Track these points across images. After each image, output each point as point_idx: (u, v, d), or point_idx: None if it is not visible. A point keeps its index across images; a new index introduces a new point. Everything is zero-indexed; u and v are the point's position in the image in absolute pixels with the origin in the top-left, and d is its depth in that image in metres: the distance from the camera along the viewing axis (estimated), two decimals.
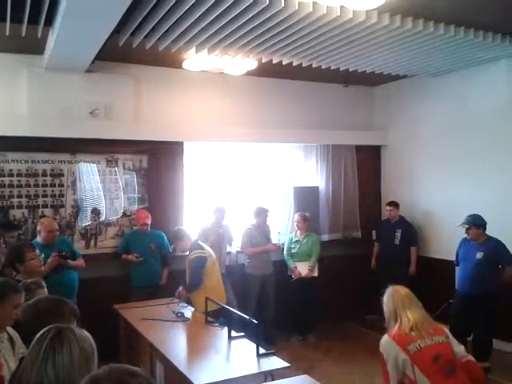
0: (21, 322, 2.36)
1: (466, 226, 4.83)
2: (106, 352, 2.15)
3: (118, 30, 4.27)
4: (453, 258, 5.25)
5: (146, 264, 5.53)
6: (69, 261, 4.80)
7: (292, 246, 6.29)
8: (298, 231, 6.30)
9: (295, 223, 6.32)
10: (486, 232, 4.89)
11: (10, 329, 2.42)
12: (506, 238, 4.89)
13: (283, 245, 6.35)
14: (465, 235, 4.99)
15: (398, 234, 6.54)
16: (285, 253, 6.31)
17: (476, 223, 4.79)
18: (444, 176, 6.43)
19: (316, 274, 6.17)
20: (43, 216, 5.35)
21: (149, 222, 5.63)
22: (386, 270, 6.66)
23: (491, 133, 5.85)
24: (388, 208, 6.69)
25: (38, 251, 3.96)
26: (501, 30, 4.85)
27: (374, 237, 7.09)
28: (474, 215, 4.87)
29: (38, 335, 1.77)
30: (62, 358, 1.69)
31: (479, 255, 4.74)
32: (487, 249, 4.73)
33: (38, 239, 4.85)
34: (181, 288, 4.84)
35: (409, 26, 4.35)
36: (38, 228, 4.90)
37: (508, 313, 5.20)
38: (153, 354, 3.90)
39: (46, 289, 3.09)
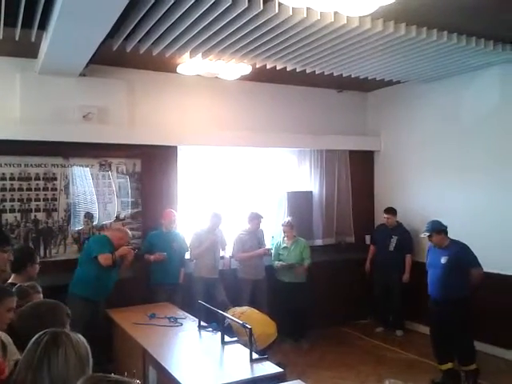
0: (17, 326, 2.35)
1: (427, 234, 4.85)
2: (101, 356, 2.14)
3: (111, 35, 4.26)
4: None
5: (168, 262, 5.55)
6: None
7: (280, 253, 6.26)
8: (286, 238, 6.29)
9: (284, 233, 6.30)
10: (481, 236, 4.88)
11: (3, 334, 2.40)
12: (497, 242, 4.90)
13: (272, 250, 6.34)
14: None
15: (394, 240, 6.53)
16: (272, 258, 6.28)
17: (436, 229, 4.81)
18: (436, 181, 6.45)
19: (304, 279, 6.17)
20: (36, 220, 5.39)
21: (176, 219, 5.77)
22: (380, 276, 6.67)
23: (484, 139, 5.88)
24: (385, 215, 6.66)
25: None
26: (493, 37, 4.89)
27: (367, 242, 7.11)
28: (433, 221, 4.88)
29: (33, 339, 1.76)
30: (57, 362, 1.68)
31: (443, 260, 4.76)
32: (451, 253, 4.74)
33: (111, 237, 5.11)
34: None
35: (402, 32, 4.38)
36: (121, 234, 5.21)
37: (495, 317, 5.23)
38: (146, 359, 3.88)
39: (41, 294, 3.09)
